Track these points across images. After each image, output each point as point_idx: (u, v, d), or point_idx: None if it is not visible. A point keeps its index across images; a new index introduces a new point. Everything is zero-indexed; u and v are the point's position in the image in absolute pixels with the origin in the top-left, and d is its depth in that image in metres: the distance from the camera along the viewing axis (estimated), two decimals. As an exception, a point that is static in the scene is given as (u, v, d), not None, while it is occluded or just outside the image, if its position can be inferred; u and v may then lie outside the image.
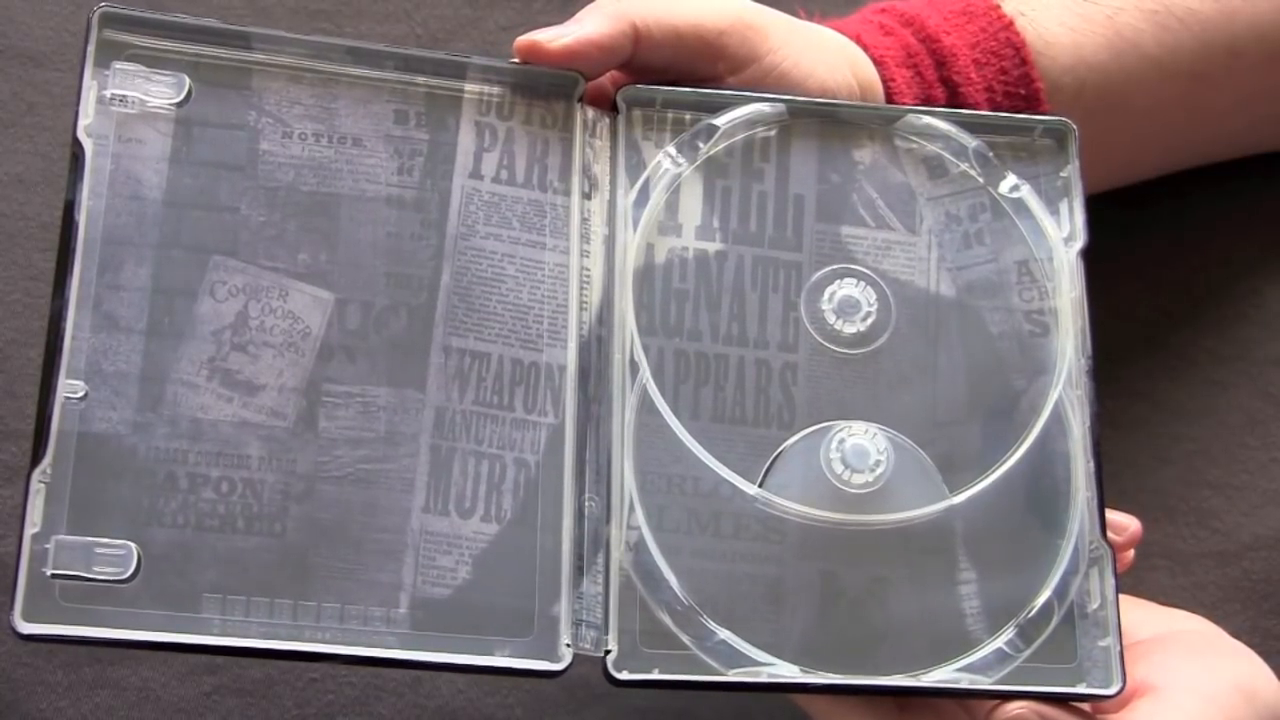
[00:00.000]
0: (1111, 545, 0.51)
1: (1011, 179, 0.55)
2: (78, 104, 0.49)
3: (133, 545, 0.46)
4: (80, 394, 0.47)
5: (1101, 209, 0.64)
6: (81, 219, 0.48)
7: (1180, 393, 0.65)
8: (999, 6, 0.60)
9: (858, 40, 0.59)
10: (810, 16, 0.61)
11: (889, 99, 0.58)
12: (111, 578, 0.46)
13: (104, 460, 0.47)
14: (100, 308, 0.48)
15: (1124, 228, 0.66)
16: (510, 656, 0.48)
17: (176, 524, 0.47)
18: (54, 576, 0.45)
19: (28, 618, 0.45)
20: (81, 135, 0.49)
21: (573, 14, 0.54)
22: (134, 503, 0.47)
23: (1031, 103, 0.59)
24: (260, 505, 0.47)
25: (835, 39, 0.58)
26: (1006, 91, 0.59)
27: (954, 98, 0.58)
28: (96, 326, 0.48)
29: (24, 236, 0.60)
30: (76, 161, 0.49)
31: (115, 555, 0.46)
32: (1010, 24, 0.60)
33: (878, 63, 0.58)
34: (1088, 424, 0.52)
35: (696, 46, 0.54)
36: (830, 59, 0.57)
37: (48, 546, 0.46)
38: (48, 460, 0.46)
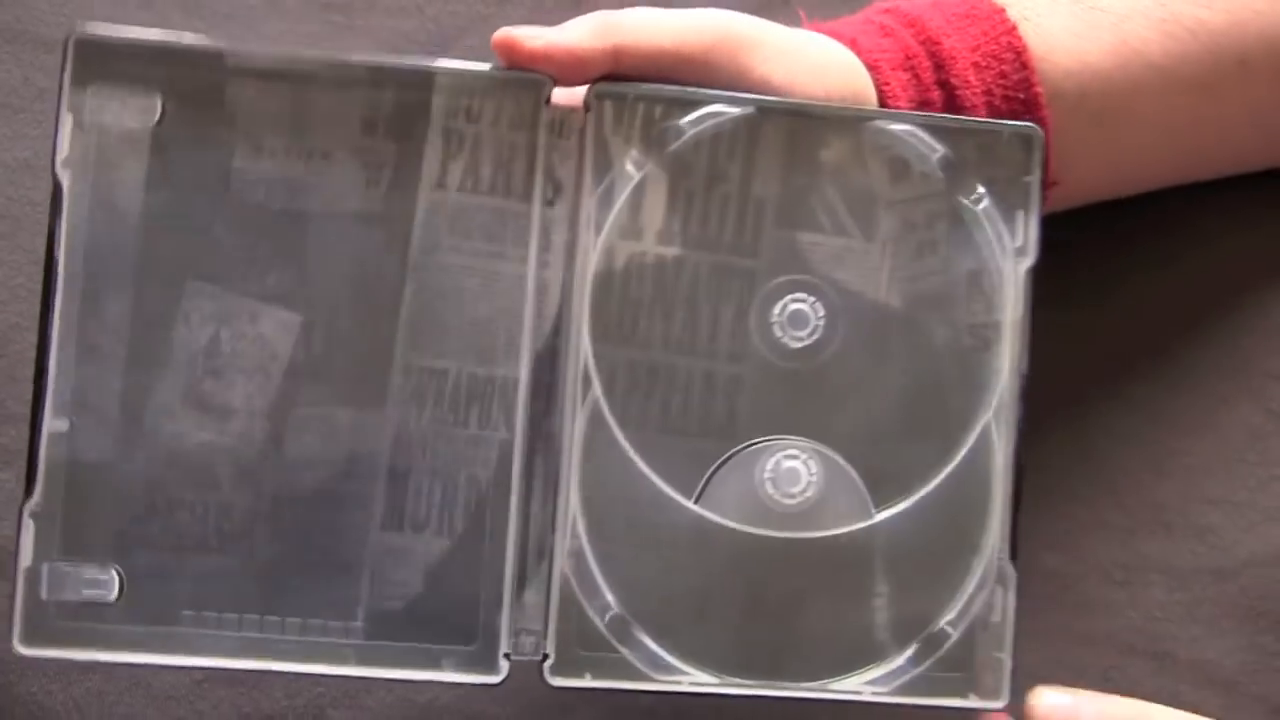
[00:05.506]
0: (1016, 568, 0.55)
1: (975, 190, 0.55)
2: (55, 137, 0.51)
3: (118, 569, 0.51)
4: (66, 428, 0.51)
5: (1105, 218, 0.64)
6: (61, 255, 0.51)
7: (1181, 406, 0.65)
8: (1004, 11, 0.59)
9: (853, 45, 0.58)
10: (809, 18, 0.60)
11: (882, 104, 0.58)
12: (99, 600, 0.51)
13: (90, 488, 0.52)
14: (84, 339, 0.52)
15: (1128, 237, 0.66)
16: (453, 669, 0.53)
17: (157, 546, 0.52)
18: (47, 601, 0.51)
19: (25, 643, 0.51)
20: (59, 170, 0.51)
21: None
22: (118, 527, 0.52)
23: (1030, 107, 0.59)
24: (232, 525, 0.52)
25: (826, 48, 0.58)
26: (1005, 95, 0.58)
27: (951, 100, 0.58)
28: (80, 358, 0.52)
29: (29, 221, 0.62)
30: (55, 195, 0.51)
31: (102, 580, 0.52)
32: (1013, 29, 0.59)
33: (872, 67, 0.58)
34: (1012, 446, 0.55)
35: (679, 66, 0.54)
36: (820, 68, 0.57)
37: (41, 574, 0.51)
38: (38, 495, 0.51)
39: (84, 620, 0.52)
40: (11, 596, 0.51)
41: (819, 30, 0.60)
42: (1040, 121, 0.59)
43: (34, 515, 0.51)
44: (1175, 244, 0.66)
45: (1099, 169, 0.62)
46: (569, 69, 0.53)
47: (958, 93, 0.58)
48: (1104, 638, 0.63)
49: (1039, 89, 0.59)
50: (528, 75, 0.53)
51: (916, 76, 0.58)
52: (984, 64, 0.59)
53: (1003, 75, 0.59)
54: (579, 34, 0.53)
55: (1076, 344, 0.65)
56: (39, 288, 0.61)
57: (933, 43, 0.59)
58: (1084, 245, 0.65)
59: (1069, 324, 0.64)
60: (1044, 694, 0.54)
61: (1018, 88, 0.59)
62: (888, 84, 0.58)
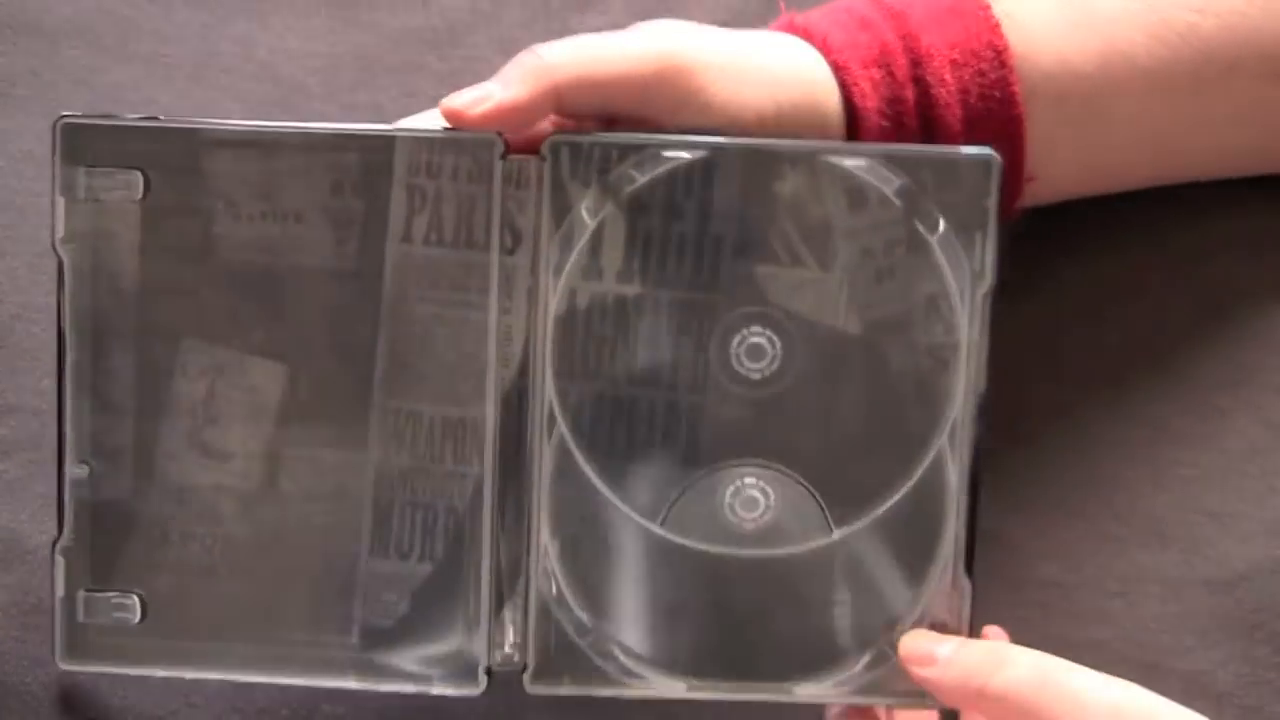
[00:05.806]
0: (971, 580, 0.57)
1: (933, 216, 0.56)
2: (52, 217, 0.56)
3: (140, 595, 0.58)
4: (86, 473, 0.58)
5: (1105, 226, 0.64)
6: (68, 323, 0.57)
7: (1180, 417, 0.64)
8: (989, 7, 0.59)
9: (824, 42, 0.58)
10: (787, 9, 0.60)
11: (850, 103, 0.58)
12: (126, 623, 0.58)
13: (112, 524, 0.58)
14: (97, 392, 0.57)
15: (1128, 247, 0.65)
16: (439, 681, 0.59)
17: (172, 573, 0.58)
18: (83, 624, 0.58)
19: (65, 659, 0.58)
20: (58, 247, 0.56)
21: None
22: (139, 558, 0.58)
23: (1006, 105, 0.58)
24: (236, 554, 0.58)
25: (779, 55, 0.58)
26: (981, 93, 0.58)
27: (925, 97, 0.58)
28: (95, 409, 0.58)
29: (33, 212, 0.65)
30: (59, 270, 0.56)
31: (126, 604, 0.58)
32: (996, 26, 0.58)
33: (841, 68, 0.58)
34: (968, 464, 0.57)
35: (622, 98, 0.56)
36: (771, 80, 0.57)
37: (76, 601, 0.58)
38: (67, 534, 0.58)
39: (114, 638, 0.59)
40: (52, 620, 0.58)
41: (794, 25, 0.60)
42: (1015, 120, 0.59)
43: (64, 552, 0.58)
44: (1175, 254, 0.65)
45: (1078, 167, 0.61)
46: (514, 122, 0.56)
47: (932, 90, 0.58)
48: (1098, 648, 0.63)
49: (1016, 88, 0.58)
50: (479, 135, 0.56)
51: (890, 73, 0.58)
52: (962, 61, 0.58)
53: (980, 73, 0.58)
54: (517, 87, 0.55)
55: (1075, 353, 0.65)
56: (41, 278, 0.65)
57: (911, 38, 0.59)
58: (1083, 254, 0.65)
59: (1068, 333, 0.65)
60: (911, 637, 0.57)
61: (995, 86, 0.58)
62: (856, 84, 0.58)
